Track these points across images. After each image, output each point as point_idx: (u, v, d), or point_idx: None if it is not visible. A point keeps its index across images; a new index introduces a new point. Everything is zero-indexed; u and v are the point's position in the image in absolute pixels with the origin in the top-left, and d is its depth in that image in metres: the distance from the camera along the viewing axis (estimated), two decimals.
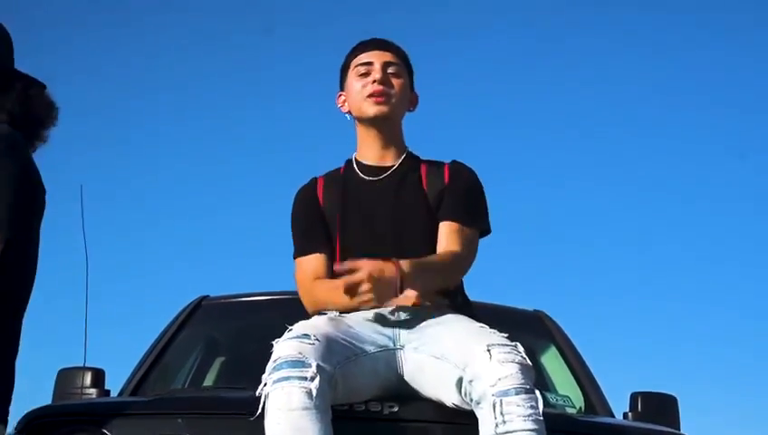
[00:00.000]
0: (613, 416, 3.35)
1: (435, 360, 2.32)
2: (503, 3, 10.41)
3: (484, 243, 2.73)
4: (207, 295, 4.09)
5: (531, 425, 2.08)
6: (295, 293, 3.71)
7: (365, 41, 2.84)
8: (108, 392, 3.38)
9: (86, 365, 3.35)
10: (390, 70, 2.74)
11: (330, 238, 2.71)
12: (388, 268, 2.30)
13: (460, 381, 2.22)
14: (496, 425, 2.09)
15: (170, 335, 3.76)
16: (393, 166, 2.76)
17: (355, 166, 2.79)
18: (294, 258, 2.74)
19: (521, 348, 2.23)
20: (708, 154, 10.67)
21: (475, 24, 10.00)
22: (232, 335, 4.11)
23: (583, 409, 3.38)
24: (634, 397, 3.36)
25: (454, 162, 2.81)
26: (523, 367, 2.16)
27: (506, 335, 2.31)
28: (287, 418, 2.08)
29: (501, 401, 2.10)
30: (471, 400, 2.19)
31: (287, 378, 2.11)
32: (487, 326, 2.38)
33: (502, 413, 2.09)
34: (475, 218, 2.70)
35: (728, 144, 10.47)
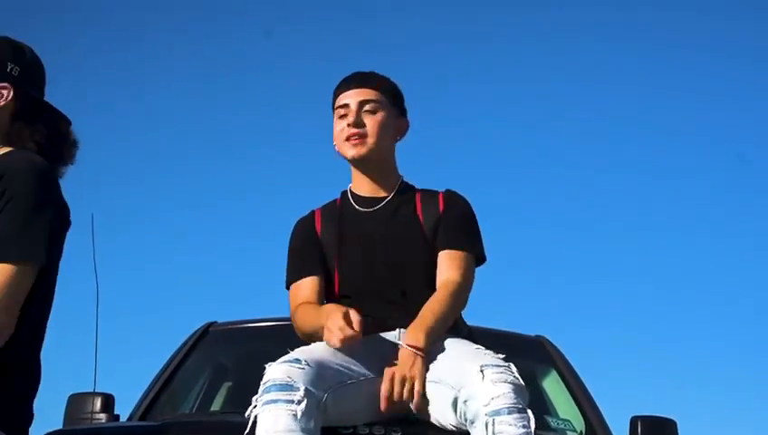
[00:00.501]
0: None
1: (432, 384, 2.32)
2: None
3: (487, 269, 2.71)
4: (215, 321, 4.09)
5: None
6: None
7: (346, 78, 2.77)
8: (117, 417, 3.36)
9: (96, 391, 3.34)
10: (367, 108, 2.67)
11: (324, 267, 2.67)
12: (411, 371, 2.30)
13: (456, 401, 2.22)
14: None
15: (178, 361, 3.75)
16: (387, 197, 2.72)
17: (350, 198, 2.76)
18: (288, 285, 2.71)
19: (514, 368, 2.23)
20: (709, 154, 10.66)
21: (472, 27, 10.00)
22: (238, 360, 4.08)
23: (584, 433, 3.35)
24: (634, 421, 3.30)
25: (448, 191, 2.76)
26: (515, 387, 2.16)
27: (502, 356, 2.30)
28: None
29: (493, 420, 2.10)
30: (466, 419, 2.19)
31: (275, 401, 2.13)
32: (483, 348, 2.38)
33: (494, 432, 2.09)
34: (472, 245, 2.66)
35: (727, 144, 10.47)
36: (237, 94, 9.98)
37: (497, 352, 2.38)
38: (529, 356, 3.88)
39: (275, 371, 2.19)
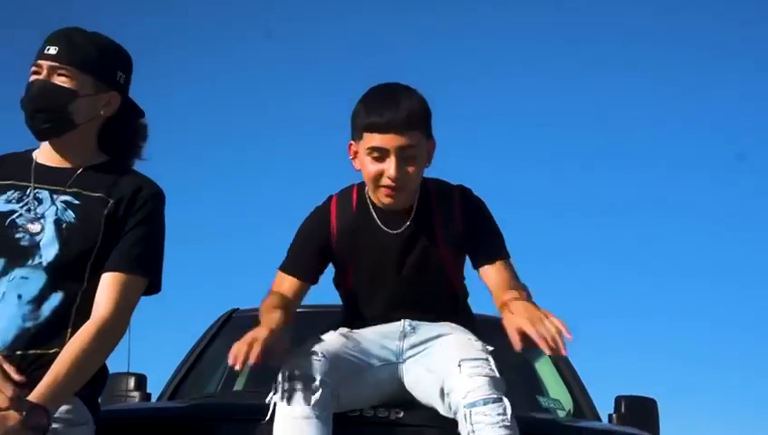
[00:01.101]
0: (599, 418, 3.41)
1: (427, 372, 2.39)
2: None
3: None
4: (238, 308, 4.16)
5: (499, 431, 2.13)
6: (319, 306, 3.81)
7: (377, 109, 2.45)
8: (149, 396, 3.49)
9: (130, 371, 3.49)
10: (406, 154, 2.44)
11: (316, 270, 2.61)
12: None
13: (441, 392, 2.30)
14: (468, 434, 2.15)
15: (204, 345, 3.85)
16: (410, 212, 2.56)
17: (370, 205, 2.58)
18: (278, 268, 2.63)
19: (491, 362, 2.27)
20: (709, 154, 10.61)
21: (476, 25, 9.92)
22: None
23: (572, 411, 3.44)
24: (618, 400, 3.43)
25: (462, 197, 2.62)
26: (491, 379, 2.21)
27: (491, 348, 2.35)
28: (291, 425, 2.19)
29: (470, 411, 2.15)
30: (451, 410, 2.25)
31: (294, 390, 2.22)
32: (473, 338, 2.41)
33: (472, 423, 2.15)
34: (505, 247, 2.60)
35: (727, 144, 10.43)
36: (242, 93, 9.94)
37: (495, 338, 2.46)
38: (523, 340, 3.98)
39: (295, 362, 2.28)
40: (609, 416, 3.41)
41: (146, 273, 2.26)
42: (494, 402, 2.17)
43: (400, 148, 2.42)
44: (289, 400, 2.21)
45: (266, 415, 2.23)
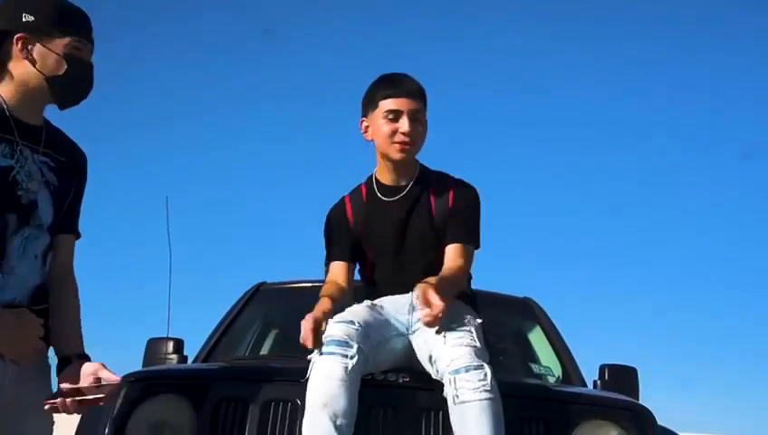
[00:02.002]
0: (585, 384, 3.52)
1: (423, 343, 2.52)
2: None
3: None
4: (265, 281, 4.28)
5: (481, 395, 2.25)
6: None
7: (393, 80, 2.78)
8: (186, 358, 3.59)
9: (169, 336, 3.60)
10: (416, 116, 2.73)
11: (352, 249, 2.82)
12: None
13: (431, 359, 2.43)
14: (453, 398, 2.28)
15: (235, 314, 3.96)
16: (407, 187, 2.80)
17: (375, 186, 2.84)
18: (325, 264, 2.87)
19: (474, 333, 2.40)
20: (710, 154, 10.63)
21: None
22: (284, 315, 4.25)
23: (561, 377, 3.55)
24: (602, 368, 3.52)
25: (457, 186, 2.82)
26: (473, 349, 2.33)
27: (478, 321, 2.48)
28: (326, 384, 2.31)
29: (454, 378, 2.28)
30: (438, 375, 2.38)
31: (332, 353, 2.35)
32: (467, 312, 2.54)
33: (456, 388, 2.27)
34: (473, 238, 2.77)
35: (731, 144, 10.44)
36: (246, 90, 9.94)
37: (491, 312, 2.58)
38: (518, 314, 4.07)
39: (334, 328, 2.40)
40: (594, 382, 3.51)
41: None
42: (475, 369, 2.29)
43: (412, 110, 2.73)
44: (328, 361, 2.33)
45: (306, 374, 2.35)
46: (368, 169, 2.95)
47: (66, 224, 2.30)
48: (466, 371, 2.29)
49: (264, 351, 4.11)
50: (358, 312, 2.54)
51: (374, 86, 2.82)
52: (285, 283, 4.29)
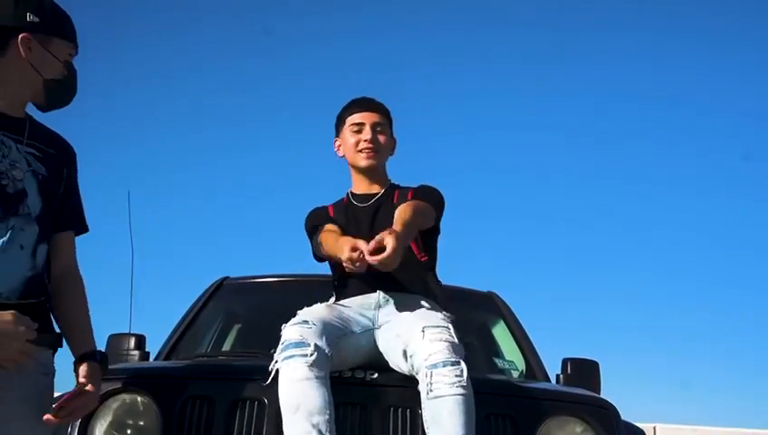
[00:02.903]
0: (548, 377, 3.55)
1: (395, 337, 2.54)
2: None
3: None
4: (228, 276, 4.24)
5: (455, 390, 2.27)
6: (300, 276, 3.91)
7: (358, 102, 3.04)
8: (148, 354, 3.54)
9: (131, 332, 3.54)
10: (378, 129, 2.98)
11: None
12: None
13: (405, 354, 2.44)
14: (428, 392, 2.30)
15: (197, 309, 3.93)
16: (377, 194, 2.99)
17: (351, 198, 3.02)
18: (316, 243, 2.88)
19: (452, 329, 2.43)
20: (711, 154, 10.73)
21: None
22: (247, 310, 4.24)
23: (524, 372, 3.57)
24: (564, 362, 3.56)
25: (417, 186, 2.98)
26: (450, 344, 2.36)
27: (452, 317, 2.52)
28: (294, 387, 2.32)
29: (431, 372, 2.31)
30: (413, 370, 2.40)
31: (292, 356, 2.36)
32: (437, 307, 2.60)
33: (431, 382, 2.30)
34: (432, 201, 2.87)
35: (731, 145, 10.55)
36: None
37: (456, 306, 2.60)
38: (482, 309, 4.08)
39: (290, 332, 2.42)
40: (557, 376, 3.54)
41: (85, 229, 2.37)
42: (452, 365, 2.31)
43: (374, 123, 2.98)
44: (290, 365, 2.34)
45: (267, 379, 2.37)
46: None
47: (62, 220, 2.28)
48: (444, 365, 2.31)
49: (227, 346, 4.07)
50: (312, 312, 2.57)
51: (343, 108, 3.08)
52: (248, 277, 4.27)
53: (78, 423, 2.40)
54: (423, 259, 2.88)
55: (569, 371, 3.52)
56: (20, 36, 2.15)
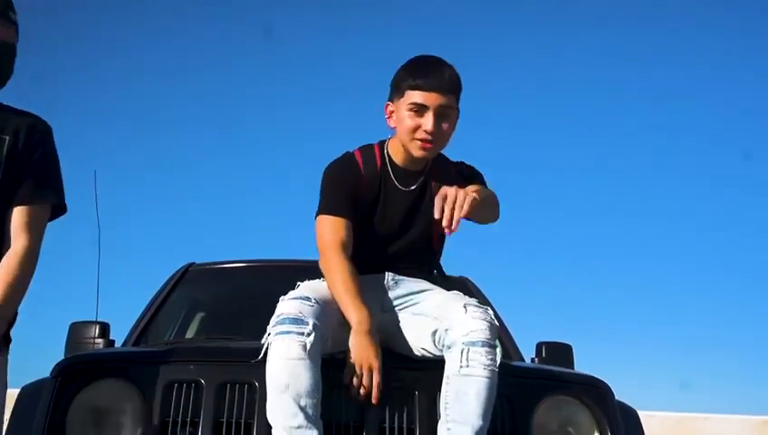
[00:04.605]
0: (524, 361, 3.51)
1: (413, 316, 2.46)
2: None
3: None
4: (194, 263, 4.14)
5: (487, 373, 2.22)
6: (267, 261, 3.78)
7: (425, 71, 2.54)
8: (113, 342, 3.43)
9: (96, 319, 3.39)
10: (443, 113, 2.52)
11: (354, 210, 2.56)
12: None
13: (435, 331, 2.33)
14: (460, 367, 2.22)
15: (163, 296, 3.83)
16: (420, 177, 2.64)
17: (390, 169, 2.63)
18: (319, 214, 2.56)
19: (491, 311, 2.34)
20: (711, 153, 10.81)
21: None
22: (213, 296, 4.15)
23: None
24: (539, 346, 3.56)
25: (457, 169, 2.70)
26: (491, 325, 2.28)
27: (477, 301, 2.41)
28: (285, 365, 2.18)
29: (468, 349, 2.23)
30: (443, 345, 2.30)
31: (288, 332, 2.21)
32: (461, 293, 2.50)
33: (467, 359, 2.22)
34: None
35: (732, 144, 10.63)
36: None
37: None
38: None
39: (288, 305, 2.25)
40: (532, 359, 3.52)
41: (58, 199, 2.31)
42: (489, 347, 2.25)
43: (439, 106, 2.51)
44: (284, 341, 2.20)
45: (257, 356, 2.24)
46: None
47: (17, 195, 2.23)
48: (482, 345, 2.24)
49: (190, 334, 3.97)
50: (314, 287, 2.43)
51: (404, 71, 2.59)
52: (214, 263, 4.18)
53: (49, 415, 2.27)
54: (436, 248, 2.74)
55: (543, 354, 3.52)
56: None
